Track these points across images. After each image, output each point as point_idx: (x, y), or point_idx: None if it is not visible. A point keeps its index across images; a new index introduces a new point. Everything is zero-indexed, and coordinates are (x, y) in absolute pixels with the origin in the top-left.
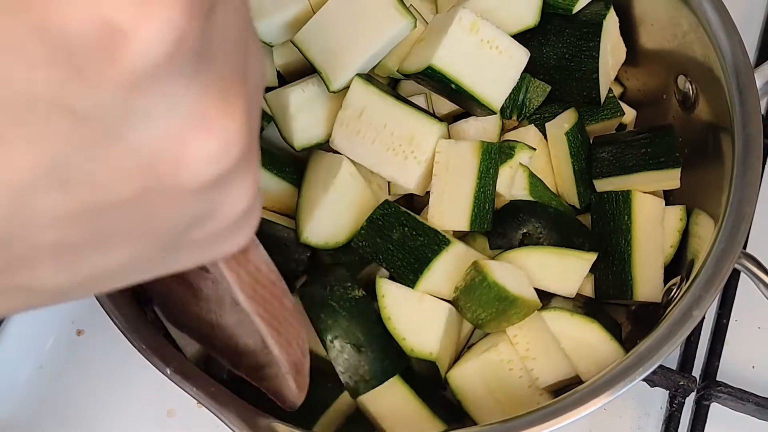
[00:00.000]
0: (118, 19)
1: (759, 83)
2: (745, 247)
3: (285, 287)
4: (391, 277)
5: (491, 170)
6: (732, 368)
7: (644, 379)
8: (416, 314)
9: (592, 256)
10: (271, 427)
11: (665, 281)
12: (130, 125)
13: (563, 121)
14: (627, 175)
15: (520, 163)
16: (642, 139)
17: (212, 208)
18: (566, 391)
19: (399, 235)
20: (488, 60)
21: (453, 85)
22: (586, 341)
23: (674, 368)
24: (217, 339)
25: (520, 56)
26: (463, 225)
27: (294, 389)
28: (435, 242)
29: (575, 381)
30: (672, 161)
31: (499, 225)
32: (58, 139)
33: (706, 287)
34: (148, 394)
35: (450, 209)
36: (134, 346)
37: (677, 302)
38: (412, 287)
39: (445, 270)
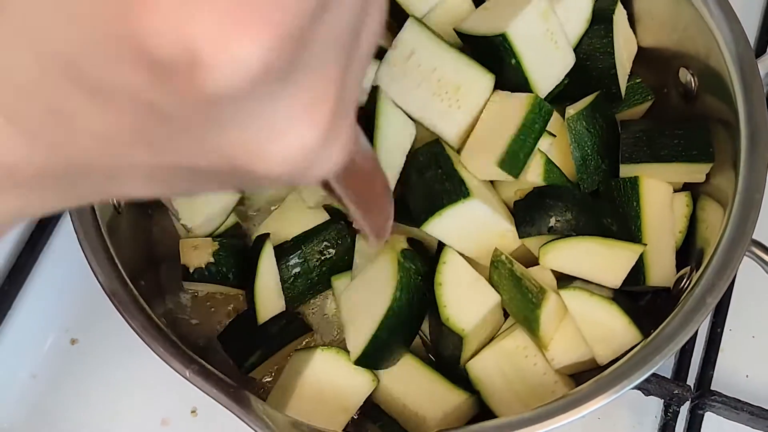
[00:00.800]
0: (201, 45)
1: (762, 73)
2: None
3: (377, 164)
4: (407, 213)
5: (536, 125)
6: (726, 377)
7: (639, 388)
8: (466, 292)
9: (639, 248)
10: (294, 424)
11: (679, 269)
12: (209, 129)
13: (571, 108)
14: (657, 164)
15: (539, 149)
16: (677, 130)
17: (297, 180)
18: (583, 378)
19: (431, 174)
20: (547, 50)
21: (513, 60)
22: (604, 323)
23: (669, 377)
24: None
25: (569, 57)
26: (493, 161)
27: (373, 242)
28: (457, 192)
29: (590, 365)
30: (706, 156)
31: (526, 212)
32: (139, 119)
33: (719, 275)
34: (142, 403)
35: (484, 149)
36: (153, 351)
37: (690, 291)
38: (419, 227)
39: (458, 223)
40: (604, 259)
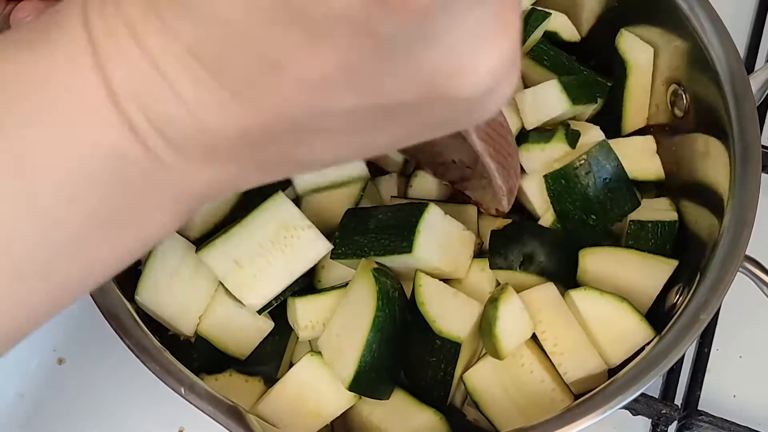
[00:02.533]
0: None
1: (754, 89)
2: None
3: (509, 127)
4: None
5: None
6: (713, 397)
7: (626, 407)
8: (450, 305)
9: (674, 262)
10: None
11: (669, 287)
12: (418, 47)
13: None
14: None
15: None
16: None
17: (479, 108)
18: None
19: (374, 223)
20: None
21: None
22: (616, 322)
23: (656, 396)
24: (423, 153)
25: None
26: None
27: (505, 206)
28: (415, 209)
29: (600, 380)
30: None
31: (501, 244)
32: (353, 52)
33: (712, 291)
34: (129, 423)
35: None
36: (149, 368)
37: (683, 308)
38: (410, 252)
39: (433, 235)
40: (640, 271)
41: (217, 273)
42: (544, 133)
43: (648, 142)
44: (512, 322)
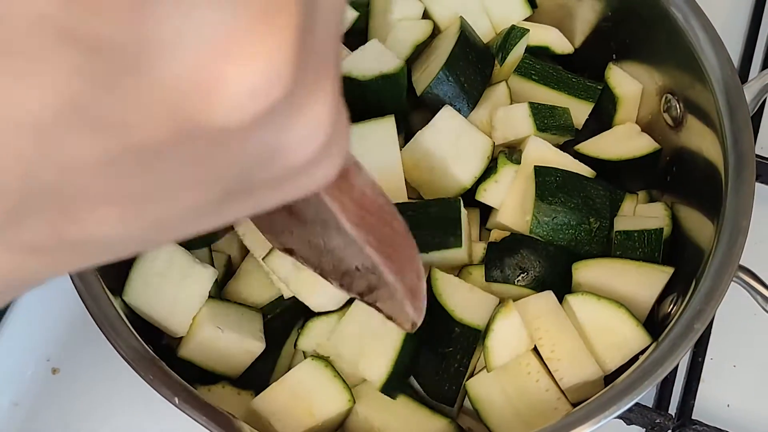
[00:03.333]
0: None
1: (748, 99)
2: None
3: (394, 210)
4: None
5: None
6: (707, 406)
7: (621, 417)
8: (467, 297)
9: (669, 270)
10: None
11: (663, 297)
12: (149, 56)
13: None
14: None
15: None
16: None
17: (274, 146)
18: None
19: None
20: None
21: None
22: (612, 327)
23: (650, 406)
24: (326, 263)
25: None
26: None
27: (412, 313)
28: (449, 205)
29: (596, 387)
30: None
31: (498, 257)
32: (72, 72)
33: (706, 300)
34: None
35: None
36: (142, 378)
37: (678, 317)
38: (461, 246)
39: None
40: (636, 278)
41: (281, 277)
42: (491, 168)
43: (629, 126)
44: (506, 337)
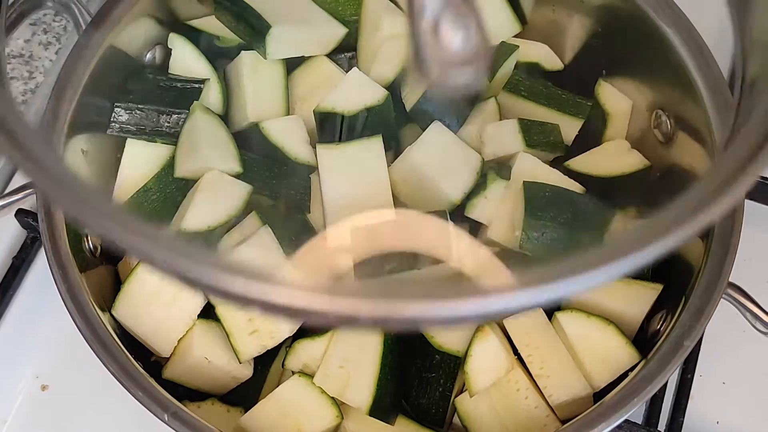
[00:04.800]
0: None
1: None
2: None
3: None
4: None
5: None
6: (697, 423)
7: None
8: None
9: (658, 287)
10: None
11: (652, 314)
12: None
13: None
14: None
15: None
16: None
17: None
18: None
19: None
20: None
21: None
22: (602, 345)
23: (640, 422)
24: None
25: None
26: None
27: None
28: None
29: (585, 403)
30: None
31: None
32: None
33: (695, 317)
34: None
35: None
36: (132, 395)
37: (667, 334)
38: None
39: None
40: (625, 294)
41: None
42: (480, 184)
43: (619, 143)
44: (485, 361)
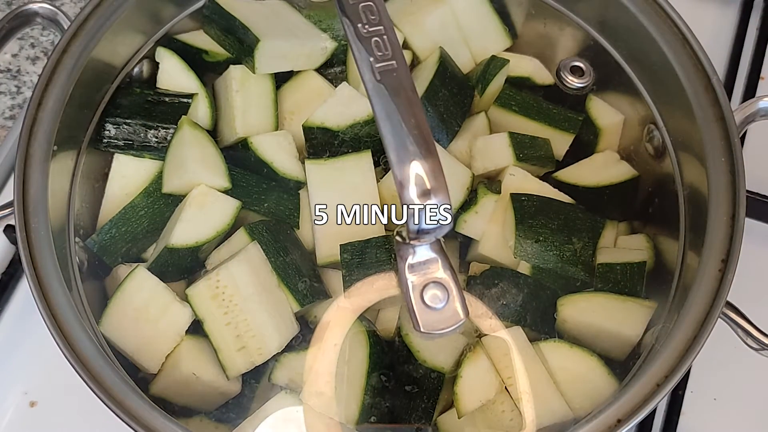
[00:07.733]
0: None
1: None
2: None
3: None
4: None
5: None
6: None
7: None
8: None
9: (653, 304)
10: None
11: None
12: None
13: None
14: None
15: None
16: None
17: None
18: None
19: None
20: None
21: None
22: (583, 375)
23: None
24: None
25: None
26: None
27: None
28: None
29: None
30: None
31: (479, 292)
32: None
33: (693, 335)
34: None
35: None
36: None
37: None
38: None
39: None
40: (620, 312)
41: None
42: (471, 200)
43: (608, 154)
44: (475, 382)
